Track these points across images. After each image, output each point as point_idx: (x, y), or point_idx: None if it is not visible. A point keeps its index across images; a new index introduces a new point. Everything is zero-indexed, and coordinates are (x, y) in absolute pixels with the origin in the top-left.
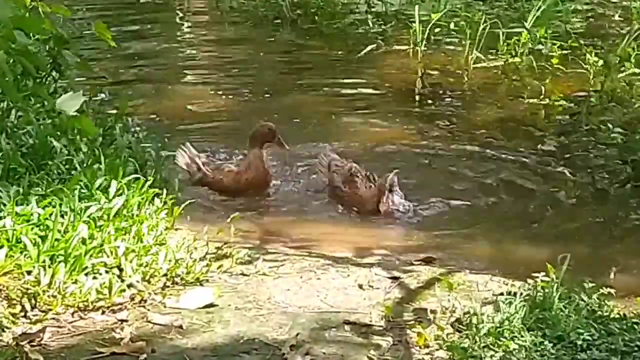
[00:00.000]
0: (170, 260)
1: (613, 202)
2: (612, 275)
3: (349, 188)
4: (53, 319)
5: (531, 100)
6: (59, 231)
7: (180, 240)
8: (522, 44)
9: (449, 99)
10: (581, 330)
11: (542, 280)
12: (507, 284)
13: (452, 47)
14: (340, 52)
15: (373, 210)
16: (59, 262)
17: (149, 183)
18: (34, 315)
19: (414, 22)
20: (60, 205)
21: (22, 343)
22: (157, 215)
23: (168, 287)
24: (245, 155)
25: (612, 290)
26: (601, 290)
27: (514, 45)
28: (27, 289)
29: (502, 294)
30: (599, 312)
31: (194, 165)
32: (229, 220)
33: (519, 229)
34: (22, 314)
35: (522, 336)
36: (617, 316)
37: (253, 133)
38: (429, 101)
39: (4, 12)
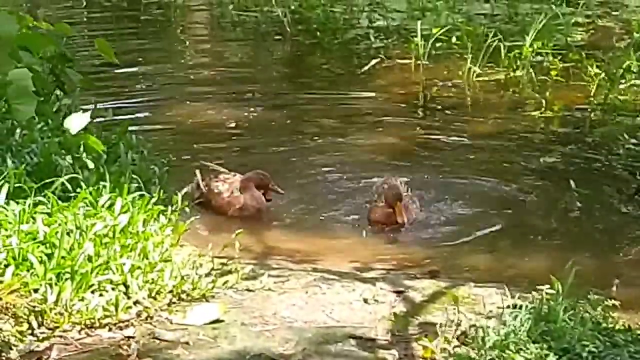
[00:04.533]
0: (176, 277)
1: (617, 214)
2: (616, 287)
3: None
4: (60, 336)
5: (533, 113)
6: (65, 249)
7: (185, 257)
8: (523, 57)
9: (451, 112)
10: (586, 343)
11: (546, 293)
12: (512, 297)
13: (453, 61)
14: (342, 67)
15: None
16: (66, 279)
17: (153, 200)
18: (41, 333)
19: (416, 36)
20: (66, 223)
21: None
22: (162, 232)
23: (174, 303)
24: (240, 184)
25: (617, 302)
26: (606, 302)
27: (515, 58)
28: (34, 306)
29: (507, 306)
30: (604, 324)
31: (195, 185)
32: (233, 236)
33: (523, 241)
34: (29, 331)
35: (527, 349)
36: (622, 328)
37: (247, 178)
38: (431, 114)
39: (10, 31)
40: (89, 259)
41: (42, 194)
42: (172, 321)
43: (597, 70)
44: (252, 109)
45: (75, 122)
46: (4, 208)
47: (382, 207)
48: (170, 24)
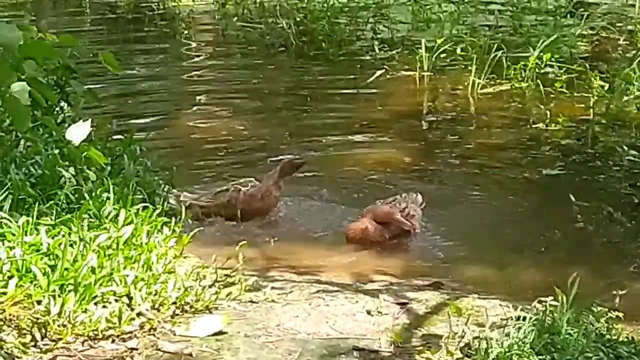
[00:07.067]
0: (179, 288)
1: (620, 225)
2: (620, 299)
3: None
4: (63, 348)
5: (537, 125)
6: (69, 261)
7: (189, 268)
8: (528, 69)
9: (455, 124)
10: (590, 354)
11: (550, 305)
12: (515, 308)
13: (458, 72)
14: (347, 78)
15: None
16: (69, 291)
17: (157, 212)
18: (44, 345)
19: (420, 48)
20: (70, 234)
21: None
22: (165, 243)
23: (177, 315)
24: (261, 182)
25: (621, 314)
26: (610, 314)
27: (519, 70)
28: (37, 318)
29: (510, 318)
30: (608, 336)
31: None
32: (237, 247)
33: (526, 253)
34: (33, 343)
35: None
36: (626, 340)
37: (287, 164)
38: (436, 126)
39: (14, 40)
40: (93, 270)
41: (46, 206)
42: (175, 333)
43: (601, 83)
44: (256, 121)
45: (76, 133)
46: (8, 219)
47: (360, 222)
48: (175, 36)
